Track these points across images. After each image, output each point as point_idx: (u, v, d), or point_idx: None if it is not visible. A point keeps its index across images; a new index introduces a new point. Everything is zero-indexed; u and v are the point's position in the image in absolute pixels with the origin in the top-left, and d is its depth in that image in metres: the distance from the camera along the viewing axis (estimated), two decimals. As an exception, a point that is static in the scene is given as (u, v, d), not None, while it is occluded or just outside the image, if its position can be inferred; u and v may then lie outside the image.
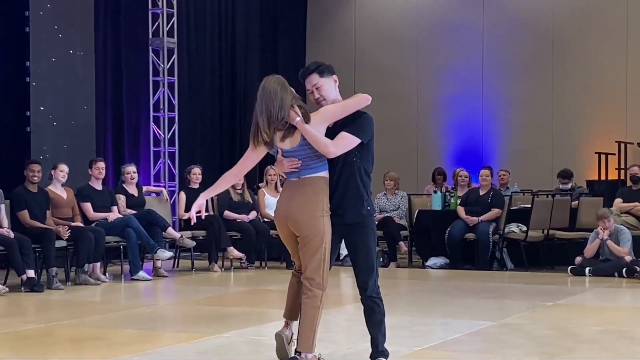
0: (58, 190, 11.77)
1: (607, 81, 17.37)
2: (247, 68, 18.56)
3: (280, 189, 13.97)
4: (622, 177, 16.06)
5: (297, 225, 5.77)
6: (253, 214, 13.78)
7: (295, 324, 6.07)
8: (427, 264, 13.71)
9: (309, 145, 5.73)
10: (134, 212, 12.45)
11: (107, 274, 12.04)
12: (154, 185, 15.45)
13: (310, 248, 5.75)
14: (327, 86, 5.89)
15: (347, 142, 5.75)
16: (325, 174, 5.82)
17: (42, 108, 13.56)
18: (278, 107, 5.69)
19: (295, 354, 5.96)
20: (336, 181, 5.85)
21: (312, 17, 20.17)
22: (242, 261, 13.53)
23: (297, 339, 5.89)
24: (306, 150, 5.75)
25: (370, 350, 6.07)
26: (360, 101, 5.84)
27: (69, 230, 11.20)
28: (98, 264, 11.69)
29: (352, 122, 5.80)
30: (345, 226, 5.89)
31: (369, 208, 5.92)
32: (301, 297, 5.97)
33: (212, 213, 13.62)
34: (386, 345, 6.04)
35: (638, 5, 17.18)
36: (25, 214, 11.20)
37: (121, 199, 12.59)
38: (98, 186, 12.24)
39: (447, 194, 14.20)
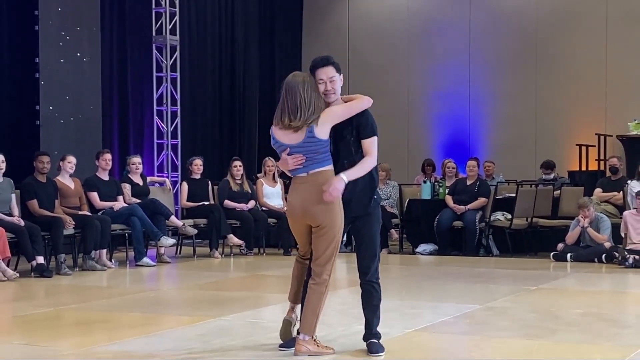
0: (66, 180, 11.75)
1: (587, 77, 17.39)
2: (245, 64, 18.53)
3: (278, 179, 14.12)
4: (602, 167, 16.05)
5: (315, 217, 5.78)
6: (252, 203, 13.75)
7: (298, 307, 6.09)
8: (417, 250, 13.71)
9: (313, 141, 5.75)
10: (138, 201, 12.43)
11: (112, 260, 12.02)
12: (158, 176, 15.44)
13: (327, 238, 5.78)
14: (339, 82, 5.93)
15: (375, 145, 5.88)
16: (331, 167, 5.83)
17: (51, 103, 13.52)
18: (309, 111, 5.73)
19: (297, 334, 6.00)
20: None
21: (307, 16, 20.14)
22: (241, 248, 13.51)
23: (300, 321, 5.93)
24: (311, 146, 5.77)
25: (363, 332, 6.08)
26: (364, 103, 5.89)
27: (73, 223, 11.20)
28: (104, 251, 11.67)
29: (362, 123, 5.86)
30: (355, 214, 5.93)
31: (375, 197, 5.99)
32: (304, 280, 6.03)
33: (212, 202, 13.60)
34: (378, 328, 6.05)
35: (617, 6, 17.20)
36: (34, 204, 11.19)
37: (126, 188, 12.56)
38: (104, 176, 12.23)
39: (436, 184, 14.20)
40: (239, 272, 11.97)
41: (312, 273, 5.87)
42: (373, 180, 5.95)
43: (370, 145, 5.86)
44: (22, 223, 10.69)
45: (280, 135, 5.84)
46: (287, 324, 6.16)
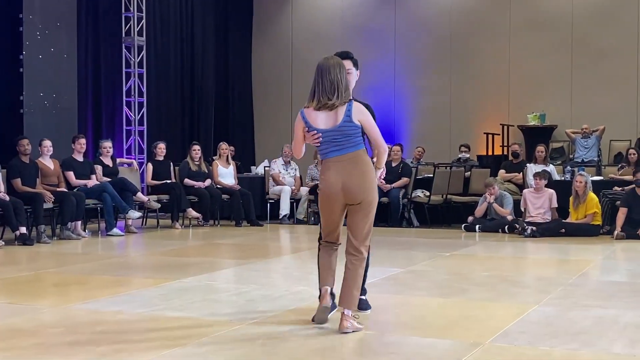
0: (46, 161, 11.58)
1: (494, 76, 17.52)
2: (203, 61, 18.38)
3: (231, 161, 14.07)
4: (505, 152, 16.22)
5: (357, 194, 5.25)
6: (208, 181, 13.68)
7: (328, 290, 5.36)
8: (349, 222, 13.73)
9: (350, 125, 5.33)
10: (109, 179, 12.29)
11: (86, 230, 11.87)
12: (126, 158, 15.29)
13: (368, 214, 5.31)
14: (352, 76, 5.82)
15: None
16: (364, 148, 5.37)
17: (33, 94, 13.29)
18: (346, 91, 5.43)
19: (338, 308, 5.34)
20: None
21: (257, 18, 19.97)
22: (199, 220, 13.43)
23: (343, 297, 5.23)
24: (347, 130, 5.31)
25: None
26: (383, 150, 5.59)
27: (52, 197, 11.05)
28: (79, 222, 11.52)
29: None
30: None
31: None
32: (334, 259, 5.41)
33: (174, 181, 13.51)
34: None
35: (518, 15, 17.34)
36: (18, 182, 11.03)
37: (98, 168, 12.42)
38: (80, 158, 12.07)
39: (366, 165, 14.20)
40: (197, 240, 11.88)
41: (351, 250, 5.28)
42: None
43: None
44: (7, 198, 10.52)
45: (315, 117, 5.31)
46: (325, 310, 5.34)
